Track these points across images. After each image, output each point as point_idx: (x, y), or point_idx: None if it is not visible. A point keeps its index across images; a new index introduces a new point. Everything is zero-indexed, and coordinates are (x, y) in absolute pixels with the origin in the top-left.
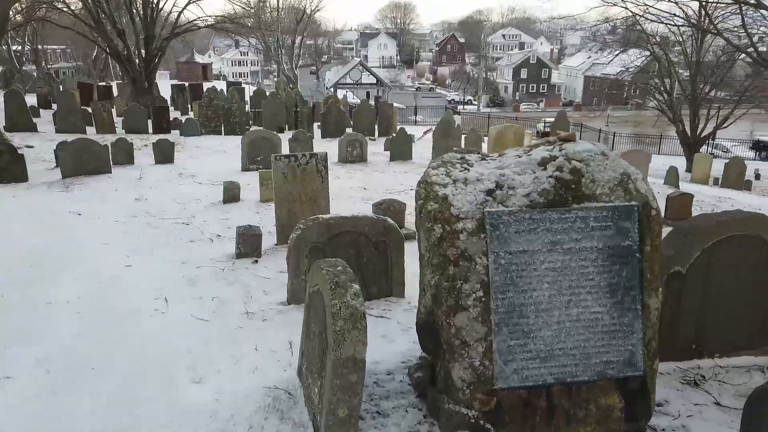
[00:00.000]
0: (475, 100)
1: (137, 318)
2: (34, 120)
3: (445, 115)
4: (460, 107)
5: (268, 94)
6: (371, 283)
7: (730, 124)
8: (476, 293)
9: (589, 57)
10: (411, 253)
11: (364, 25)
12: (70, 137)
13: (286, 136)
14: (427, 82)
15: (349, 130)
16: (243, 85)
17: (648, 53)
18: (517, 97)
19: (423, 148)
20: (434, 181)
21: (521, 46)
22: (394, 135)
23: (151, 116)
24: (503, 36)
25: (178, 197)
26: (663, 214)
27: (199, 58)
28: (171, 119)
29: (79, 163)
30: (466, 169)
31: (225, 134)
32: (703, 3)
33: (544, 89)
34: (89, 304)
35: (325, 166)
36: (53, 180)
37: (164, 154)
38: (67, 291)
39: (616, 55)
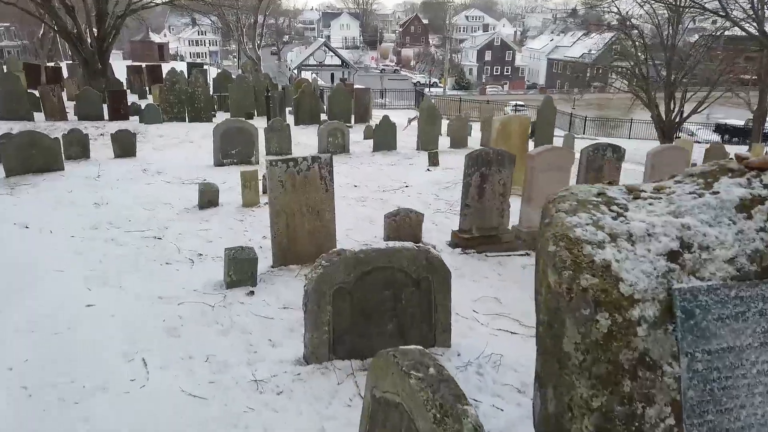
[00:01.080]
0: (441, 82)
1: (105, 398)
2: None
3: (424, 101)
4: (426, 90)
5: (234, 76)
6: (411, 332)
7: (705, 108)
8: (665, 421)
9: (552, 39)
10: None
11: (325, 4)
12: (15, 125)
13: (258, 124)
14: (392, 64)
15: (323, 117)
16: (205, 67)
17: (612, 36)
18: (483, 80)
19: (408, 137)
20: (581, 237)
21: (485, 27)
22: (375, 123)
23: (106, 101)
24: (466, 17)
25: (145, 201)
26: None
27: (155, 37)
28: (129, 104)
29: (26, 159)
30: (620, 214)
31: (189, 121)
32: None
33: (508, 72)
34: (36, 376)
35: (330, 171)
36: None
37: (125, 147)
38: (5, 352)
39: (579, 38)
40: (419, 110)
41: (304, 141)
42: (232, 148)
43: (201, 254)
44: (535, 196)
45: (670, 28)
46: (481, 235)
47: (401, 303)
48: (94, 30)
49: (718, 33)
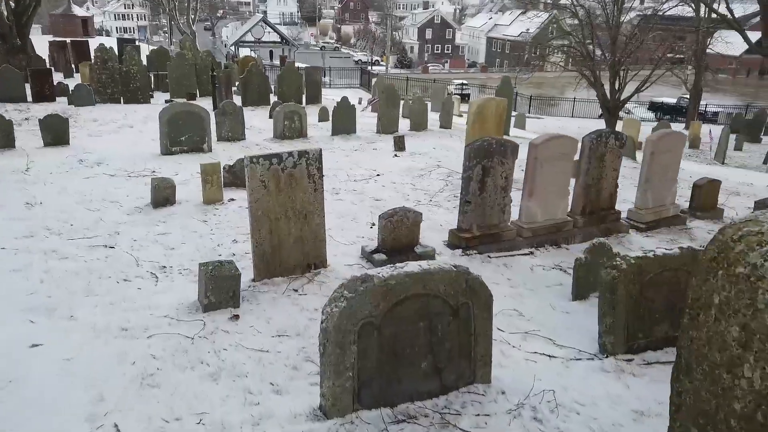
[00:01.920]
0: (383, 60)
1: None
2: None
3: (378, 80)
4: (369, 68)
5: (172, 53)
6: (447, 367)
7: (647, 87)
8: None
9: (491, 18)
10: None
11: None
12: None
13: (203, 106)
14: (331, 41)
15: (273, 98)
16: (137, 43)
17: (549, 14)
18: (425, 59)
19: (366, 119)
20: None
21: (425, 5)
22: (328, 104)
23: (29, 81)
24: None
25: (87, 199)
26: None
27: (78, 11)
28: (55, 84)
29: None
30: None
31: (125, 103)
32: None
33: (448, 50)
34: None
35: (320, 168)
36: None
37: (56, 134)
38: None
39: (517, 17)
40: (379, 92)
41: (257, 125)
42: (181, 135)
43: (164, 266)
44: (538, 189)
45: (615, 7)
46: (482, 233)
47: (437, 336)
48: (11, 2)
49: (659, 12)
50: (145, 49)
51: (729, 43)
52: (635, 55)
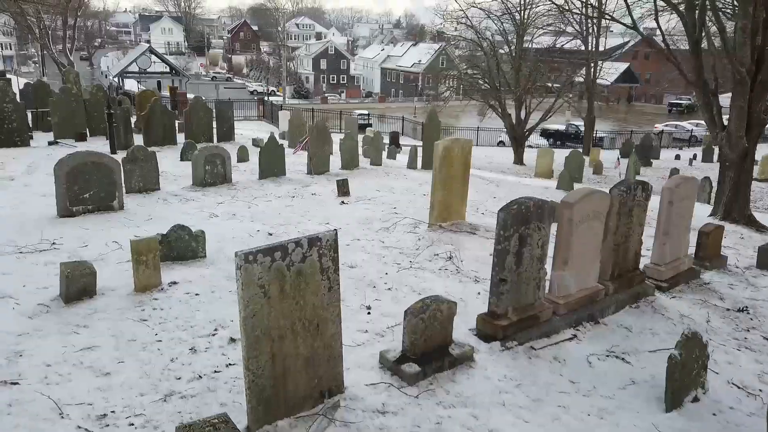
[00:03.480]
0: (279, 91)
1: None
2: None
3: (293, 114)
4: (266, 99)
5: (59, 89)
6: None
7: (550, 116)
8: None
9: (383, 49)
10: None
11: (141, 6)
12: None
13: (94, 147)
14: (222, 71)
15: (180, 136)
16: (8, 76)
17: (440, 46)
18: (323, 89)
19: (296, 157)
20: None
21: (318, 36)
22: (248, 142)
23: None
24: (297, 25)
25: None
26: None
27: None
28: None
29: None
30: None
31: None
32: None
33: (344, 80)
34: None
35: (335, 258)
36: None
37: None
38: None
39: (408, 48)
40: (313, 128)
41: (169, 169)
42: (84, 191)
43: (104, 415)
44: (574, 257)
45: (517, 40)
46: (519, 318)
47: None
48: None
49: (556, 46)
50: (15, 83)
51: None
52: (537, 86)
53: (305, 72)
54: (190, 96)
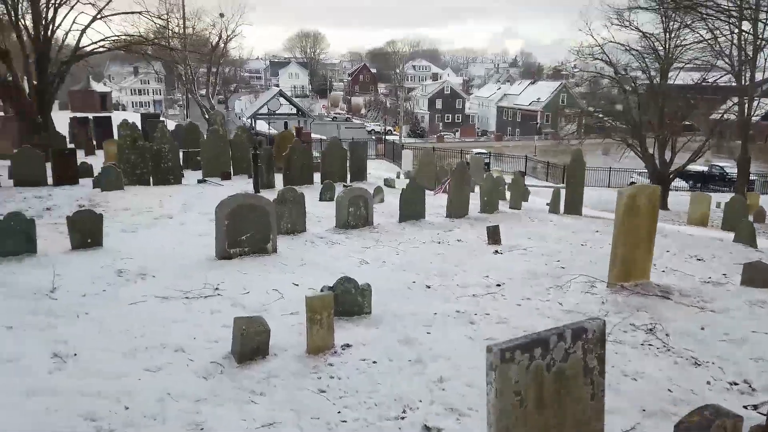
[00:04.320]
0: (395, 130)
1: None
2: None
3: (423, 155)
4: (384, 138)
5: (208, 131)
6: None
7: (700, 156)
8: None
9: (499, 88)
10: None
11: (271, 54)
12: None
13: (238, 186)
14: (342, 112)
15: (316, 176)
16: (162, 119)
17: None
18: (440, 128)
19: (434, 199)
20: None
21: (434, 77)
22: (380, 183)
23: (50, 161)
24: (414, 67)
25: (138, 346)
26: None
27: (96, 86)
28: (78, 164)
29: None
30: None
31: (154, 184)
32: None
33: (458, 119)
34: None
35: (601, 355)
36: None
37: (87, 234)
38: None
39: (526, 86)
40: (455, 169)
41: (312, 210)
42: (241, 233)
43: None
44: None
45: (660, 77)
46: None
47: None
48: (34, 79)
49: (706, 81)
50: (169, 125)
51: None
52: (684, 124)
53: (421, 111)
54: (315, 136)
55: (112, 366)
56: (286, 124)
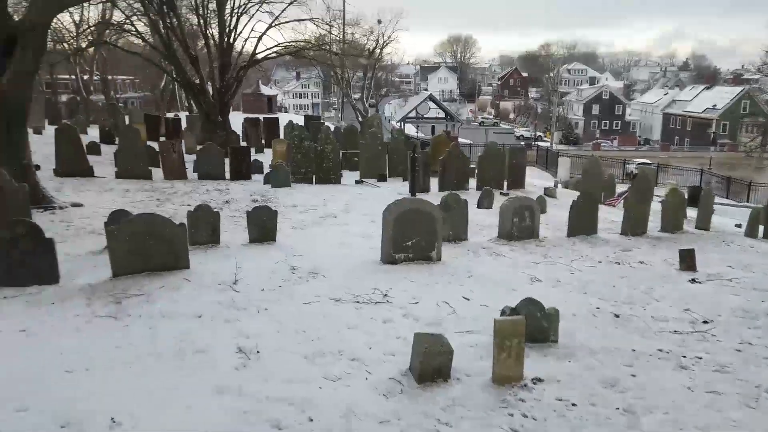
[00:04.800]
0: (546, 136)
1: None
2: (94, 158)
3: (590, 163)
4: (532, 144)
5: (367, 133)
6: None
7: None
8: None
9: (666, 93)
10: None
11: (421, 59)
12: (132, 185)
13: (394, 188)
14: (490, 117)
15: (472, 182)
16: (322, 120)
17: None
18: (597, 135)
19: (606, 214)
20: None
21: (591, 81)
22: (540, 192)
23: (227, 156)
24: (568, 71)
25: (317, 351)
26: None
27: (264, 90)
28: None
29: (142, 253)
30: None
31: (317, 183)
32: None
33: (617, 126)
34: None
35: None
36: (98, 281)
37: (263, 229)
38: None
39: (701, 91)
40: (635, 182)
41: (471, 218)
42: (407, 238)
43: None
44: None
45: None
46: None
47: None
48: (216, 81)
49: None
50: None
51: None
52: None
53: (575, 117)
54: (462, 140)
55: (293, 369)
56: (433, 128)
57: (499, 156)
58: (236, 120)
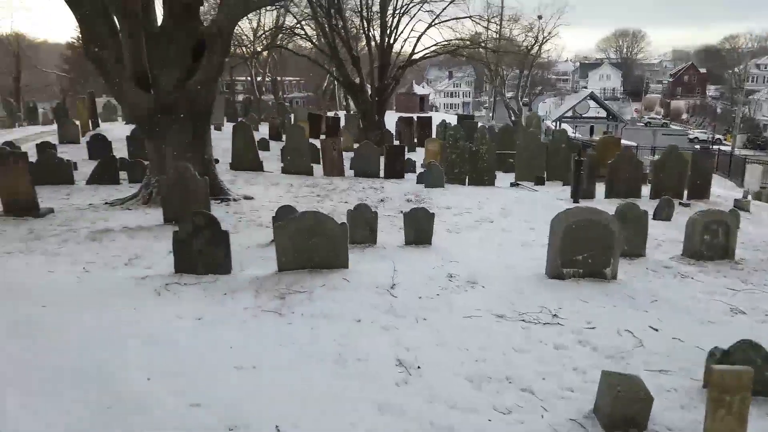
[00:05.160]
0: (726, 139)
1: None
2: (263, 154)
3: None
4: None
5: (525, 133)
6: None
7: None
8: None
9: None
10: None
11: (581, 55)
12: (295, 180)
13: (553, 193)
14: (658, 117)
15: (644, 189)
16: (476, 120)
17: None
18: None
19: None
20: None
21: None
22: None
23: (384, 155)
24: (758, 66)
25: (481, 374)
26: None
27: (417, 89)
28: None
29: (305, 250)
30: None
31: (469, 184)
32: None
33: None
34: None
35: None
36: (265, 274)
37: (419, 231)
38: None
39: None
40: None
41: (650, 231)
42: (577, 252)
43: None
44: None
45: None
46: None
47: None
48: (375, 81)
49: None
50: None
51: None
52: None
53: (764, 119)
54: (625, 142)
55: (457, 393)
56: (592, 128)
57: (680, 161)
58: (389, 119)
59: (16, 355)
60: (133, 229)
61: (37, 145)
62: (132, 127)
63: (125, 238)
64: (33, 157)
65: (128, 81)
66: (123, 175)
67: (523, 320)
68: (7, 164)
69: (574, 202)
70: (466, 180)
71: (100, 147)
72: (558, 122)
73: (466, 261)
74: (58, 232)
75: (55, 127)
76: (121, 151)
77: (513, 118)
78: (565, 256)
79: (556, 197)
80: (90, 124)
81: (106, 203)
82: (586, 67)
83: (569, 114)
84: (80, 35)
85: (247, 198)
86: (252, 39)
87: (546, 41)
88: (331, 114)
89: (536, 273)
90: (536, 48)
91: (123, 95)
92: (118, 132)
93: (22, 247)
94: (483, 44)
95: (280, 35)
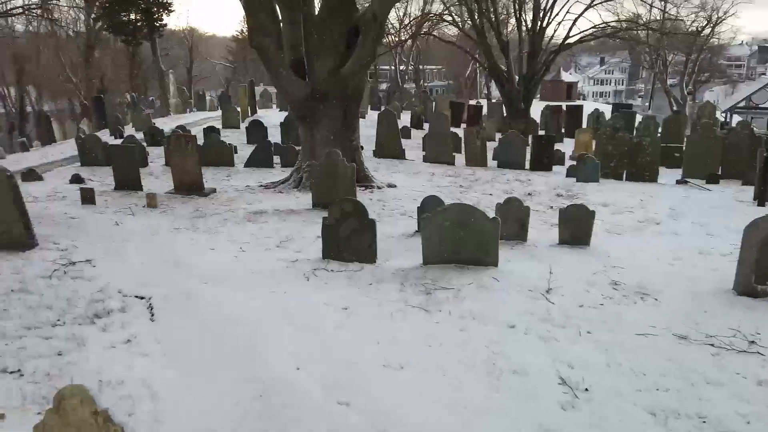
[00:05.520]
0: None
1: None
2: (405, 142)
3: None
4: None
5: (699, 125)
6: None
7: None
8: None
9: None
10: None
11: (760, 38)
12: (437, 169)
13: (730, 194)
14: None
15: None
16: (634, 110)
17: None
18: None
19: None
20: None
21: None
22: None
23: (530, 145)
24: None
25: (656, 394)
26: None
27: (565, 76)
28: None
29: (451, 244)
30: None
31: (627, 179)
32: None
33: None
34: None
35: None
36: (410, 266)
37: (576, 230)
38: None
39: None
40: None
41: None
42: None
43: None
44: None
45: None
46: None
47: None
48: (523, 69)
49: None
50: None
51: None
52: None
53: None
54: None
55: (638, 428)
56: None
57: None
58: (534, 108)
59: (178, 331)
60: (284, 212)
61: (203, 129)
62: (285, 113)
63: (277, 220)
64: (200, 141)
65: (287, 68)
66: (276, 159)
67: (711, 345)
68: (180, 146)
69: (758, 205)
70: (624, 175)
71: (257, 132)
72: (729, 113)
73: (632, 267)
74: (219, 211)
75: (219, 113)
76: (275, 136)
77: (675, 108)
78: (760, 270)
79: (735, 198)
80: (249, 111)
81: (261, 185)
82: (766, 50)
83: (743, 104)
84: (245, 24)
85: (390, 186)
86: (398, 28)
87: (721, 21)
88: (473, 102)
89: (720, 287)
90: (708, 29)
91: (281, 82)
92: (272, 118)
93: (189, 224)
94: (646, 26)
95: (427, 22)
